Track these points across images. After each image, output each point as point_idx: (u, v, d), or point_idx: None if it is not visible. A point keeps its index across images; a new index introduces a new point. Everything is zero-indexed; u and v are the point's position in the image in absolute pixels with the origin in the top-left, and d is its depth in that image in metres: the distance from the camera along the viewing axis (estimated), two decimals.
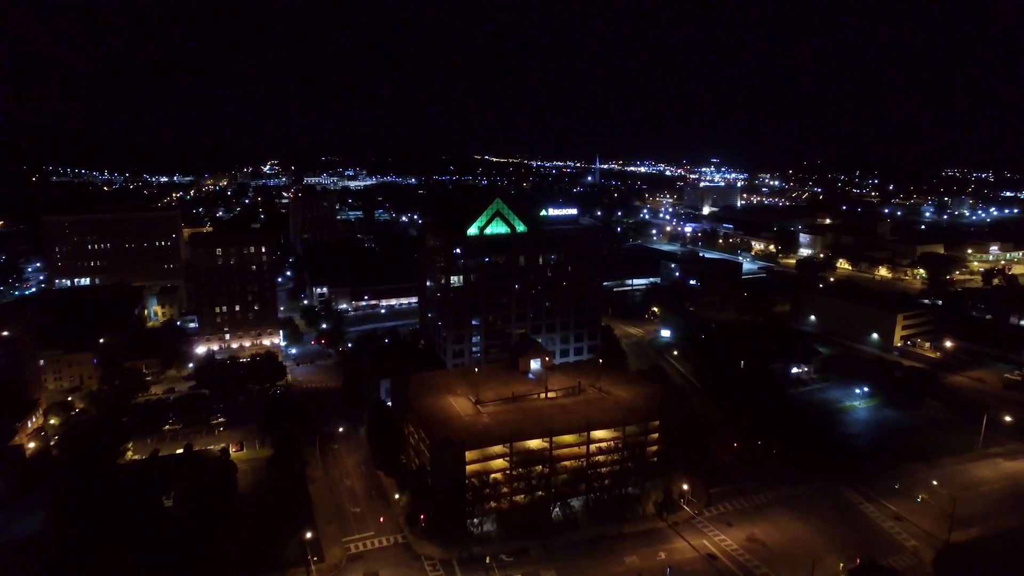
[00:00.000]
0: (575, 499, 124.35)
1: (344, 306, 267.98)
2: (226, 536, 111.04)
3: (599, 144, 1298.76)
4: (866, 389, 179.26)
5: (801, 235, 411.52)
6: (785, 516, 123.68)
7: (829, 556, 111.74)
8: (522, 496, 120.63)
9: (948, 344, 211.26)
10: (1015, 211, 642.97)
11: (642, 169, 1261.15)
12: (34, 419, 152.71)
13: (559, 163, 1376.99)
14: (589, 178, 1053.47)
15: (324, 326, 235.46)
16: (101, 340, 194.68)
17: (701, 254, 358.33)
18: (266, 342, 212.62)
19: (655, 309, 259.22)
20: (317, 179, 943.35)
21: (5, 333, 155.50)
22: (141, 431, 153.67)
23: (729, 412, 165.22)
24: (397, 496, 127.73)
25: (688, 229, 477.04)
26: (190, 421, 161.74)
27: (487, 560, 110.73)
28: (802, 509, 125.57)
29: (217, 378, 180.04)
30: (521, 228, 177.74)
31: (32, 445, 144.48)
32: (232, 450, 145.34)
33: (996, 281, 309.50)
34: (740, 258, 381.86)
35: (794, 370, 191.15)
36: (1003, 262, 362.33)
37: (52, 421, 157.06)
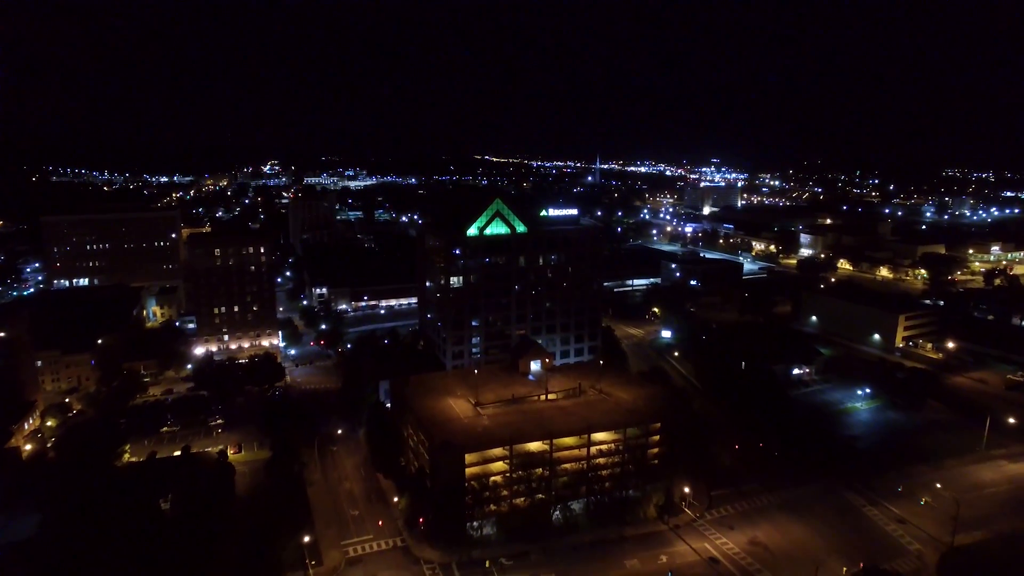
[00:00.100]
0: (575, 502, 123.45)
1: (343, 307, 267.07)
2: (223, 539, 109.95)
3: (599, 144, 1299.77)
4: (868, 390, 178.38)
5: (802, 235, 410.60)
6: (787, 519, 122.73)
7: (832, 560, 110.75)
8: (522, 499, 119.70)
9: (950, 345, 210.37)
10: (1016, 211, 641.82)
11: (642, 169, 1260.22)
12: (31, 421, 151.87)
13: (559, 163, 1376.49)
14: (589, 178, 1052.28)
15: (323, 327, 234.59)
16: (99, 341, 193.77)
17: (702, 254, 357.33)
18: (265, 343, 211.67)
19: (656, 310, 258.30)
20: (317, 179, 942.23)
21: (2, 334, 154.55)
22: (139, 433, 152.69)
23: (730, 413, 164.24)
24: (396, 499, 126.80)
25: (688, 229, 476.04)
26: (188, 423, 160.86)
27: (487, 564, 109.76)
28: (804, 512, 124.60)
29: (215, 379, 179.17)
30: (521, 228, 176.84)
31: (29, 447, 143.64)
32: (230, 452, 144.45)
33: (998, 281, 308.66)
34: (741, 258, 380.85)
35: (795, 371, 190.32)
36: (1004, 262, 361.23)
37: (49, 423, 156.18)
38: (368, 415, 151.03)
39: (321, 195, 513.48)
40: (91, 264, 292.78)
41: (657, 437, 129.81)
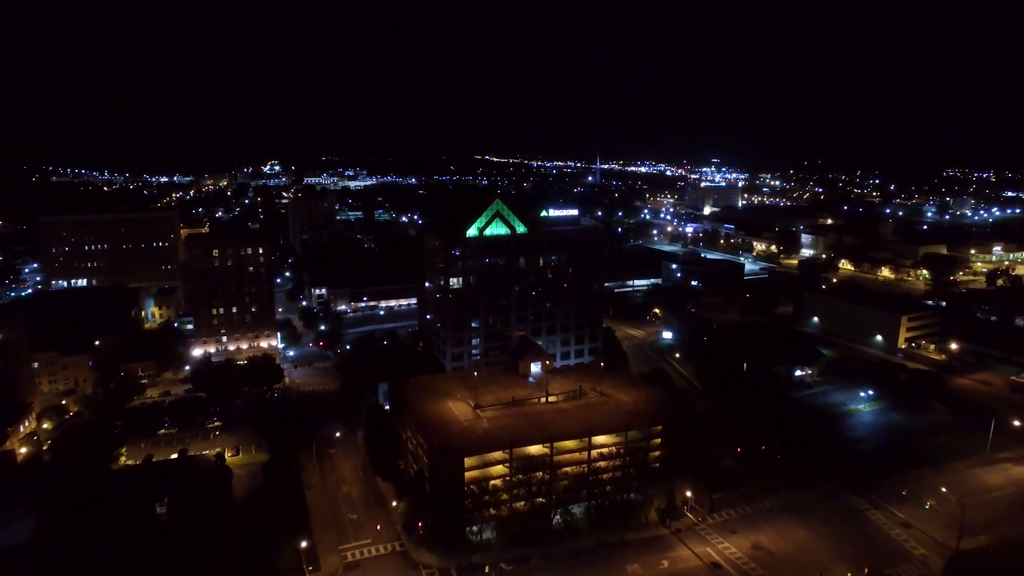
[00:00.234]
0: (576, 506, 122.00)
1: (343, 307, 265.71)
2: (220, 544, 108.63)
3: (599, 144, 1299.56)
4: (870, 392, 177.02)
5: (803, 235, 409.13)
6: (790, 523, 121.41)
7: (836, 565, 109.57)
8: (522, 503, 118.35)
9: (953, 346, 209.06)
10: (1017, 211, 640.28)
11: (643, 169, 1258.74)
12: (27, 423, 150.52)
13: (559, 163, 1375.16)
14: (590, 178, 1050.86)
15: (322, 328, 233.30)
16: (97, 342, 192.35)
17: (702, 255, 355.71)
18: (264, 344, 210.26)
19: (656, 310, 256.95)
20: (317, 179, 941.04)
21: None
22: (136, 435, 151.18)
23: (732, 415, 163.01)
24: (395, 503, 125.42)
25: (689, 229, 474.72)
26: (186, 425, 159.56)
27: (487, 569, 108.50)
28: (807, 516, 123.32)
29: (213, 381, 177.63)
30: (521, 229, 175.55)
31: (24, 450, 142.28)
32: (228, 455, 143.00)
33: (1000, 282, 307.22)
34: (742, 259, 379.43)
35: (797, 372, 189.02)
36: (1007, 263, 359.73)
37: (45, 425, 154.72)
38: (367, 417, 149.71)
39: (321, 195, 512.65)
40: (89, 265, 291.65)
41: (658, 440, 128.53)
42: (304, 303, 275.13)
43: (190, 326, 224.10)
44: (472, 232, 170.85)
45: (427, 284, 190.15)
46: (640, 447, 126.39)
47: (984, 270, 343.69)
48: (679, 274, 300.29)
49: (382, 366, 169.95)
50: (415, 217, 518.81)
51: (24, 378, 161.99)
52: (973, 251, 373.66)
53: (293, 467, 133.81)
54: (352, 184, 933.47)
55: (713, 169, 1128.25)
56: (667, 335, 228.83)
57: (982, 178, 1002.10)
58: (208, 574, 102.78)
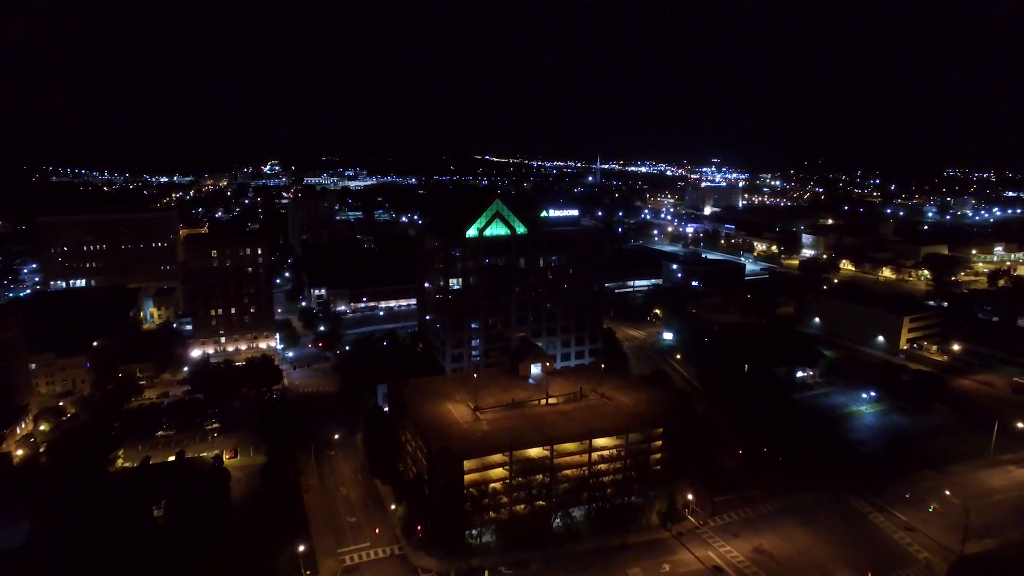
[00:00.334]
0: (577, 509, 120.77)
1: (342, 308, 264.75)
2: (217, 548, 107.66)
3: (600, 144, 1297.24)
4: (872, 393, 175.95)
5: (804, 236, 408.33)
6: (792, 526, 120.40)
7: (838, 569, 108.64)
8: (522, 506, 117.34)
9: (955, 347, 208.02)
10: (1018, 211, 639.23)
11: (643, 169, 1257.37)
12: (23, 425, 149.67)
13: (560, 163, 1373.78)
14: (590, 178, 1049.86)
15: (322, 328, 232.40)
16: (95, 343, 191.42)
17: (703, 255, 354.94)
18: (262, 345, 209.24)
19: (657, 311, 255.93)
20: (317, 179, 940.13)
21: None
22: (133, 437, 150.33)
23: (733, 417, 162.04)
24: (394, 506, 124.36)
25: (690, 230, 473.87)
26: (184, 427, 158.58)
27: (486, 573, 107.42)
28: (810, 519, 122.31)
29: (212, 382, 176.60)
30: (521, 230, 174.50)
31: (20, 452, 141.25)
32: (226, 457, 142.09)
33: (1002, 282, 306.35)
34: (742, 259, 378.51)
35: (799, 374, 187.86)
36: (1008, 263, 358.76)
37: (42, 427, 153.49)
38: (366, 419, 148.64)
39: (321, 195, 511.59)
40: (88, 265, 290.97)
41: (659, 442, 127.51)
42: (303, 303, 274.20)
43: (189, 327, 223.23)
44: (472, 232, 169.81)
45: (426, 285, 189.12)
46: (641, 449, 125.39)
47: (985, 270, 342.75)
48: (680, 274, 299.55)
49: (381, 367, 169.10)
50: (415, 217, 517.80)
51: (21, 379, 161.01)
52: (974, 251, 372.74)
53: (291, 470, 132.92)
54: (352, 184, 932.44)
55: (713, 169, 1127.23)
56: (668, 336, 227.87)
57: (983, 178, 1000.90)
58: None
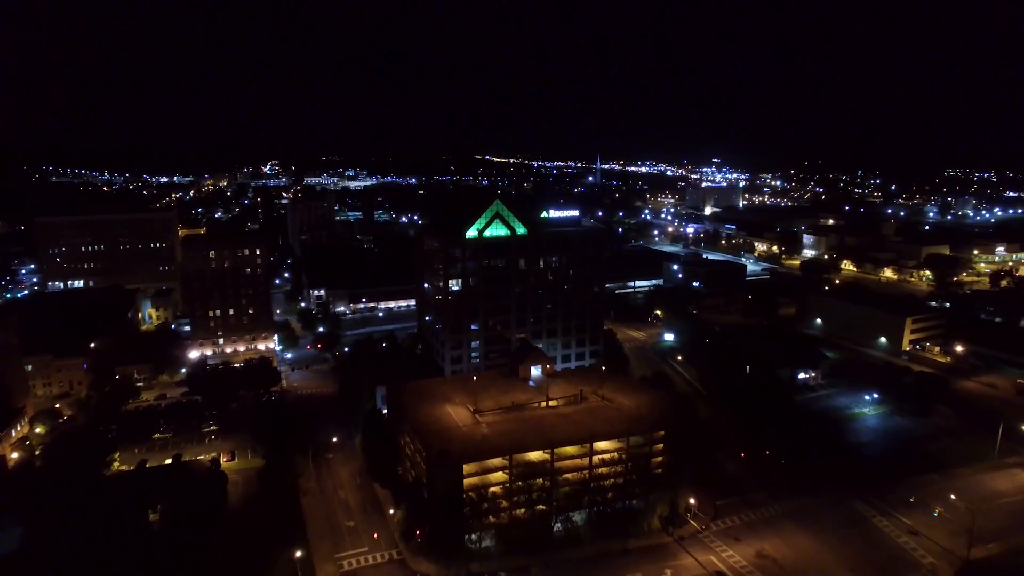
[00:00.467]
0: (577, 513, 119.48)
1: (341, 309, 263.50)
2: (213, 553, 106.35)
3: (600, 144, 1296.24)
4: (875, 395, 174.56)
5: (805, 236, 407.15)
6: (795, 530, 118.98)
7: (842, 573, 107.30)
8: (522, 510, 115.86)
9: (958, 348, 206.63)
10: (1019, 211, 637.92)
11: (643, 169, 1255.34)
12: (19, 428, 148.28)
13: (560, 163, 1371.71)
14: (590, 178, 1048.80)
15: (320, 330, 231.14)
16: (92, 345, 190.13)
17: (704, 255, 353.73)
18: (261, 346, 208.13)
19: (658, 312, 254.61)
20: (317, 179, 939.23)
21: None
22: (130, 440, 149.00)
23: (735, 419, 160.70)
24: (393, 510, 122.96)
25: (690, 230, 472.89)
26: (181, 429, 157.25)
27: None
28: (813, 523, 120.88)
29: (210, 384, 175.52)
30: (521, 230, 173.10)
31: (15, 456, 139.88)
32: (223, 460, 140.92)
33: (1004, 283, 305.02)
34: (743, 259, 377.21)
35: (801, 375, 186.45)
36: (1010, 263, 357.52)
37: (38, 430, 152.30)
38: (364, 422, 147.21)
39: (321, 195, 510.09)
40: (86, 266, 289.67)
41: (661, 445, 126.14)
42: (303, 304, 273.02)
43: (188, 328, 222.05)
44: (472, 233, 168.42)
45: (426, 286, 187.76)
46: (642, 453, 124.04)
47: (987, 271, 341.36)
48: (680, 275, 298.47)
49: (380, 369, 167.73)
50: (415, 217, 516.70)
51: (17, 381, 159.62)
52: (976, 252, 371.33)
53: (289, 473, 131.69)
54: (352, 184, 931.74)
55: (714, 169, 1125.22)
56: (669, 337, 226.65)
57: (983, 178, 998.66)
58: None
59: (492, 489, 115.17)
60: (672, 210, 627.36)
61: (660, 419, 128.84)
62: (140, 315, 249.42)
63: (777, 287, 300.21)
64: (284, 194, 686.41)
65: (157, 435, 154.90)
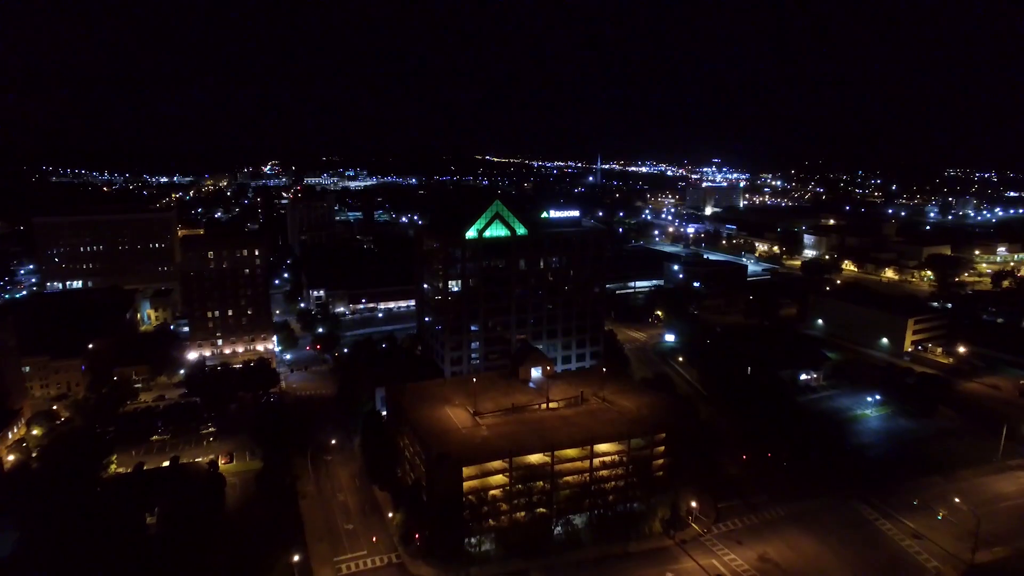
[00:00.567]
0: (578, 516, 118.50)
1: (341, 309, 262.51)
2: (210, 556, 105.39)
3: (600, 144, 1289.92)
4: (877, 396, 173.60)
5: (805, 236, 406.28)
6: (798, 533, 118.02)
7: None
8: (522, 513, 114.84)
9: (960, 349, 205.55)
10: (1020, 211, 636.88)
11: (643, 169, 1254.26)
12: (15, 429, 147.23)
13: (560, 163, 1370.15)
14: (590, 178, 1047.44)
15: (320, 330, 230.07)
16: (90, 346, 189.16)
17: (704, 256, 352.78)
18: (260, 347, 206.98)
19: (659, 312, 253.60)
20: (317, 179, 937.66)
21: None
22: (127, 442, 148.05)
23: (737, 421, 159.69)
24: (392, 513, 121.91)
25: (691, 230, 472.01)
26: (179, 431, 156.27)
27: None
28: (815, 526, 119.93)
29: (208, 385, 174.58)
30: (521, 231, 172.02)
31: (11, 458, 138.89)
32: (221, 462, 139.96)
33: (1006, 283, 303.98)
34: (744, 260, 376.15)
35: (803, 376, 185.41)
36: (1012, 263, 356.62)
37: (35, 431, 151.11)
38: (364, 424, 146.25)
39: (321, 195, 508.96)
40: (85, 266, 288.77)
41: (662, 447, 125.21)
42: (302, 305, 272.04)
43: (186, 329, 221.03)
44: (471, 234, 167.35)
45: (425, 287, 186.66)
46: (643, 455, 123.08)
47: (989, 271, 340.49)
48: (681, 275, 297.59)
49: (380, 370, 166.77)
50: (415, 217, 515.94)
51: (14, 383, 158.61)
52: (977, 252, 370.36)
53: (287, 475, 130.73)
54: (352, 184, 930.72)
55: (714, 169, 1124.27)
56: (669, 337, 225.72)
57: (984, 178, 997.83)
58: None
59: (492, 492, 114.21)
60: (672, 210, 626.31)
61: (661, 421, 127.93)
62: (139, 316, 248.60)
63: (778, 287, 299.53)
64: (284, 194, 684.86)
65: (155, 437, 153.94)
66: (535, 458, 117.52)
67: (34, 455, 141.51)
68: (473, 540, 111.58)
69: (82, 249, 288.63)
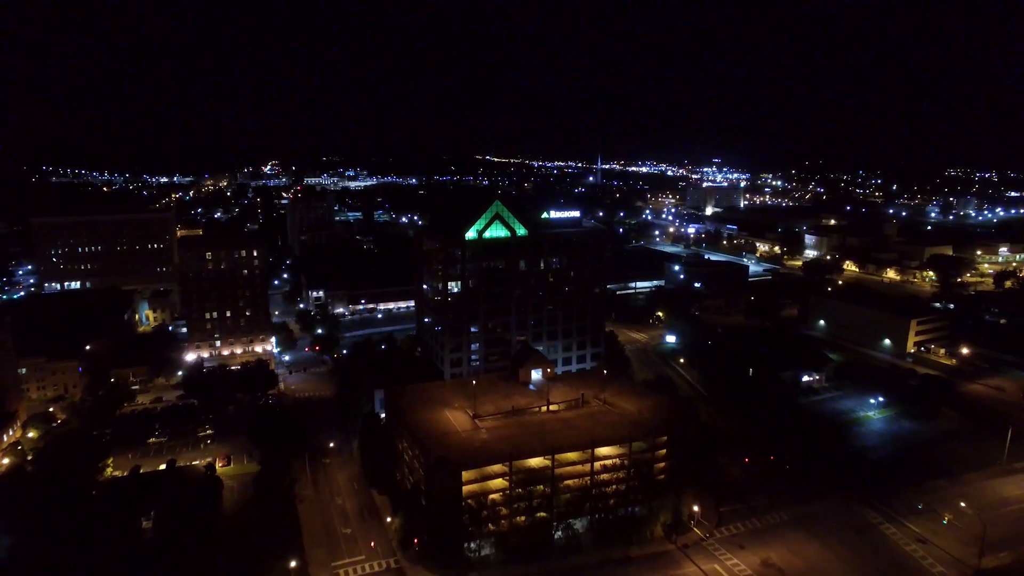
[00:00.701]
0: (579, 520, 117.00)
1: (341, 310, 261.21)
2: (207, 561, 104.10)
3: (600, 144, 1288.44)
4: (880, 398, 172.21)
5: (806, 236, 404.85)
6: (801, 537, 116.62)
7: None
8: (522, 517, 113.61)
9: (964, 350, 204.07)
10: (1022, 211, 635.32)
11: (644, 169, 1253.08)
12: (11, 432, 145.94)
13: (560, 163, 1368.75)
14: (591, 178, 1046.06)
15: (319, 331, 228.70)
16: (88, 347, 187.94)
17: (705, 256, 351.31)
18: (258, 349, 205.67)
19: (659, 313, 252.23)
20: (317, 179, 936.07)
21: None
22: (124, 444, 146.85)
23: (739, 423, 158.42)
24: (390, 518, 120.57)
25: (691, 230, 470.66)
26: (176, 433, 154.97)
27: None
28: (819, 530, 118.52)
29: (206, 387, 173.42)
30: (521, 231, 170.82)
31: (6, 461, 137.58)
32: (219, 465, 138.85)
33: (1008, 283, 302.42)
34: (745, 260, 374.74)
35: (805, 378, 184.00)
36: (1014, 264, 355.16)
37: (31, 434, 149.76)
38: (362, 426, 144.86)
39: (321, 195, 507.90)
40: (83, 267, 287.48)
41: (664, 451, 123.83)
42: (301, 305, 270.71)
43: (185, 330, 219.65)
44: (471, 234, 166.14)
45: (425, 287, 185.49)
46: (644, 458, 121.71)
47: (991, 271, 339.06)
48: (682, 276, 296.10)
49: (379, 372, 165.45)
50: (415, 218, 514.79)
51: (9, 385, 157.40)
52: (979, 252, 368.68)
53: (285, 478, 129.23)
54: (352, 184, 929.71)
55: (714, 169, 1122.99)
56: (670, 338, 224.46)
57: (984, 178, 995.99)
58: None
59: (492, 496, 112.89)
60: (673, 210, 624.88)
61: (663, 424, 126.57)
62: (137, 317, 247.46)
63: (779, 288, 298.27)
64: (284, 194, 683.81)
65: (152, 439, 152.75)
66: (535, 461, 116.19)
67: (29, 458, 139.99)
68: (472, 545, 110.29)
69: (80, 249, 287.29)
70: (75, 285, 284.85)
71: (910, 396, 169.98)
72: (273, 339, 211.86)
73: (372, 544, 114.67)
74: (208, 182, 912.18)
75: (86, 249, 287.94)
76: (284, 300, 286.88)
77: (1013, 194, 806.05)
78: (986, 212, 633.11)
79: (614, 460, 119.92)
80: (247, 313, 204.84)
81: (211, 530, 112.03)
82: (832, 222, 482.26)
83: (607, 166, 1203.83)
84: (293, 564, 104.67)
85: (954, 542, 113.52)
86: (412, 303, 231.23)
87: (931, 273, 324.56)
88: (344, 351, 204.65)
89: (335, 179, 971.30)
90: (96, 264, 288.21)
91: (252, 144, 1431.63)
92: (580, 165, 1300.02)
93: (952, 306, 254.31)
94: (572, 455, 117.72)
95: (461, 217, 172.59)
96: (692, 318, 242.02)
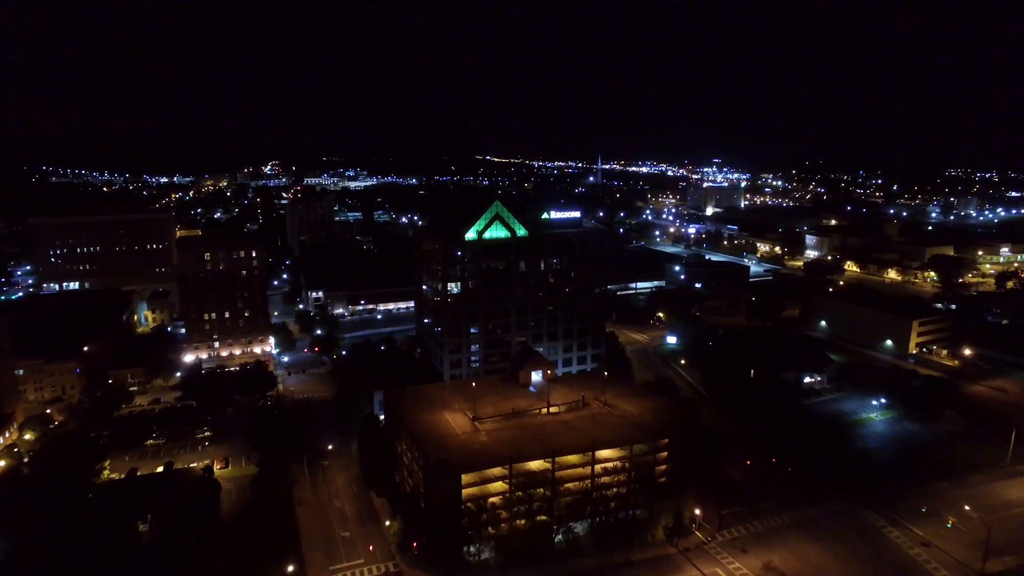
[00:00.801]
0: (579, 524, 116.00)
1: (340, 311, 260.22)
2: (204, 564, 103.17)
3: (601, 144, 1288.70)
4: (882, 400, 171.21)
5: (807, 237, 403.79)
6: (803, 541, 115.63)
7: None
8: (522, 521, 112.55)
9: (966, 351, 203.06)
10: (1022, 211, 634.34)
11: (644, 169, 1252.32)
12: (7, 434, 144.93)
13: (561, 164, 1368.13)
14: (591, 179, 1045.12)
15: (318, 332, 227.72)
16: (85, 348, 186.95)
17: (706, 256, 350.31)
18: (257, 350, 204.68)
19: (660, 314, 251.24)
20: (317, 179, 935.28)
21: None
22: (121, 446, 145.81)
23: (740, 425, 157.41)
24: (389, 521, 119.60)
25: (692, 230, 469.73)
26: (174, 435, 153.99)
27: None
28: (821, 533, 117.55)
29: (204, 389, 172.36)
30: (522, 232, 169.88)
31: (3, 463, 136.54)
32: (217, 467, 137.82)
33: (1010, 284, 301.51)
34: (745, 260, 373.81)
35: (807, 379, 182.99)
36: (1015, 264, 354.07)
37: (27, 436, 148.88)
38: (361, 428, 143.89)
39: (321, 195, 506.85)
40: (82, 267, 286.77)
41: (665, 453, 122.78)
42: (301, 306, 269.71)
43: (183, 331, 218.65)
44: (471, 235, 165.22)
45: (425, 288, 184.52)
46: (646, 461, 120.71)
47: (992, 272, 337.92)
48: (683, 276, 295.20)
49: (378, 373, 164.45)
50: (415, 218, 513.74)
51: (7, 386, 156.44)
52: (980, 252, 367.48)
53: (284, 481, 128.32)
54: (352, 184, 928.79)
55: (715, 169, 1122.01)
56: (671, 339, 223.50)
57: (985, 178, 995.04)
58: None
59: (491, 499, 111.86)
60: (674, 210, 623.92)
61: (664, 426, 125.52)
62: (136, 317, 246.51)
63: (780, 288, 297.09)
64: (284, 194, 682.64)
65: (150, 441, 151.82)
66: (535, 464, 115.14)
67: (26, 460, 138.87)
68: (472, 548, 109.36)
69: (79, 250, 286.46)
70: (74, 286, 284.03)
71: (912, 397, 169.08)
72: (272, 340, 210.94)
73: (371, 547, 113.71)
74: (208, 182, 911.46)
75: (85, 249, 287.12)
76: (283, 301, 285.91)
77: (1014, 194, 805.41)
78: (987, 212, 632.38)
79: (615, 462, 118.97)
80: (246, 314, 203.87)
81: (208, 533, 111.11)
82: (833, 222, 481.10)
83: (607, 166, 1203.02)
84: (291, 568, 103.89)
85: (958, 546, 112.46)
86: (412, 304, 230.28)
87: (932, 273, 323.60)
88: (343, 352, 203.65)
89: (335, 179, 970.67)
90: (95, 265, 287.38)
91: (252, 144, 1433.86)
92: (580, 165, 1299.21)
93: (954, 307, 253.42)
94: (572, 457, 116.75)
95: (461, 217, 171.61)
96: (693, 319, 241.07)
